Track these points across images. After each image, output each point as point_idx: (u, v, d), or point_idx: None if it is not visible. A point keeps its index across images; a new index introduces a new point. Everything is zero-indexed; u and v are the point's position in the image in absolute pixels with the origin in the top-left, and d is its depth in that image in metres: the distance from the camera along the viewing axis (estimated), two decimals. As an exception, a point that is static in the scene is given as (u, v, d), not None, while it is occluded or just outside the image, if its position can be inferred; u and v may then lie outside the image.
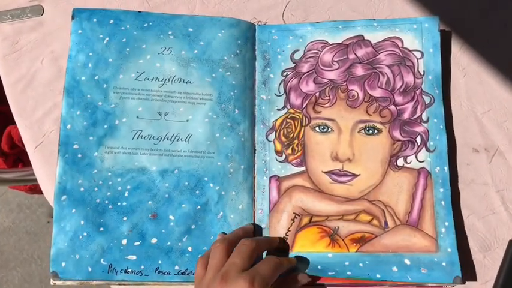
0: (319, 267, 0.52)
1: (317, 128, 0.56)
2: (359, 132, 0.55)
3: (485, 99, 0.57)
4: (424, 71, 0.56)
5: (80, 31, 0.58)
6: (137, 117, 0.56)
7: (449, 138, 0.55)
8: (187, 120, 0.56)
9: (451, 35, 0.59)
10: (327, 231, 0.53)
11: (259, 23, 0.60)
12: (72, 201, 0.54)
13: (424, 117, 0.55)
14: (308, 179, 0.55)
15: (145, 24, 0.59)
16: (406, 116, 0.55)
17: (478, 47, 0.58)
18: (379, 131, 0.55)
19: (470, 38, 0.58)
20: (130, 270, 0.52)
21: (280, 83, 0.58)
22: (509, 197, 0.54)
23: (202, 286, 0.47)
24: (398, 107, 0.55)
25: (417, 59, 0.56)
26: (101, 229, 0.53)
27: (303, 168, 0.55)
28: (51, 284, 0.52)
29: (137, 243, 0.53)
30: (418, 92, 0.56)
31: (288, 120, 0.56)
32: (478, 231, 0.54)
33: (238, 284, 0.44)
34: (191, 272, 0.52)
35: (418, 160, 0.54)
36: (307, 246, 0.53)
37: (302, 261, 0.53)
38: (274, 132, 0.56)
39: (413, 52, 0.57)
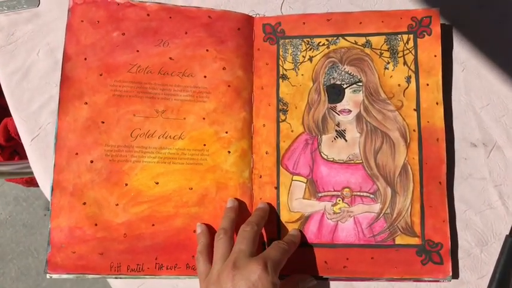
0: None
1: None
2: None
3: (484, 94, 0.57)
4: None
5: None
6: None
7: (448, 132, 0.55)
8: None
9: (450, 29, 0.58)
10: None
11: (257, 16, 0.60)
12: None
13: None
14: None
15: None
16: None
17: (477, 41, 0.58)
18: None
19: (469, 32, 0.58)
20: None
21: None
22: (506, 191, 0.54)
23: (211, 279, 0.47)
24: None
25: None
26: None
27: None
28: (47, 277, 0.52)
29: None
30: None
31: None
32: (475, 225, 0.54)
33: (251, 268, 0.45)
34: None
35: None
36: None
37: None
38: None
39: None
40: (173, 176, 0.55)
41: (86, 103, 0.55)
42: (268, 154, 0.56)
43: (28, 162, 0.60)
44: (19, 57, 0.61)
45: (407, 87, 0.55)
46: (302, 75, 0.57)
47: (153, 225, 0.54)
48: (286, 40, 0.58)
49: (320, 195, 0.54)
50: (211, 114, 0.56)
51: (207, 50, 0.57)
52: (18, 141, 0.79)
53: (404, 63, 0.56)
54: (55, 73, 0.60)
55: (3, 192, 1.38)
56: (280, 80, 0.57)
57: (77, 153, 0.54)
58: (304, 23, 0.58)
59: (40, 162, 0.59)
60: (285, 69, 0.57)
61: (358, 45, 0.57)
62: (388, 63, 0.56)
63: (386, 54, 0.56)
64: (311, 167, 0.55)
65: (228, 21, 0.58)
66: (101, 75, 0.56)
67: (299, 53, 0.57)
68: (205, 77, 0.57)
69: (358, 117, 0.55)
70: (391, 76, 0.56)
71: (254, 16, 0.59)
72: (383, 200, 0.54)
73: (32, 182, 0.88)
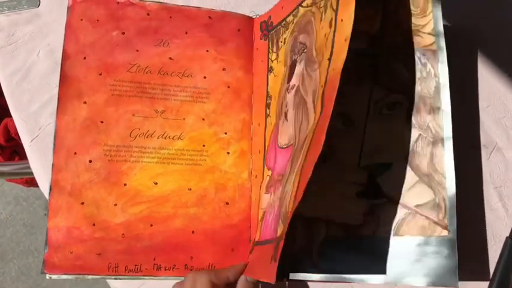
0: None
1: None
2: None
3: (484, 95, 0.56)
4: None
5: None
6: None
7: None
8: None
9: (449, 30, 0.58)
10: None
11: (257, 17, 0.60)
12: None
13: None
14: None
15: None
16: None
17: (478, 42, 0.58)
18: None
19: (470, 33, 0.58)
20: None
21: None
22: (506, 193, 0.54)
23: None
24: None
25: None
26: None
27: None
28: (47, 277, 0.52)
29: None
30: None
31: None
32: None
33: None
34: None
35: None
36: None
37: None
38: None
39: None
40: (172, 176, 0.55)
41: (85, 102, 0.55)
42: (260, 153, 0.54)
43: (28, 163, 0.60)
44: (19, 57, 0.61)
45: (329, 33, 0.42)
46: (280, 61, 0.54)
47: (151, 225, 0.54)
48: (272, 31, 0.56)
49: (267, 186, 0.51)
50: (210, 115, 0.56)
51: (207, 51, 0.57)
52: (18, 141, 0.79)
53: (331, 5, 0.43)
54: (55, 74, 0.60)
55: (3, 192, 1.39)
56: (268, 74, 0.55)
57: (75, 153, 0.54)
58: (282, 7, 0.55)
59: (40, 162, 0.59)
60: (271, 61, 0.55)
61: (309, 6, 0.48)
62: (322, 13, 0.45)
63: (322, 3, 0.46)
64: (275, 159, 0.51)
65: (228, 22, 0.58)
66: (100, 74, 0.56)
67: (280, 39, 0.55)
68: (205, 77, 0.57)
69: (297, 91, 0.47)
70: (322, 28, 0.44)
71: (254, 17, 0.59)
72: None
73: (32, 182, 0.88)
